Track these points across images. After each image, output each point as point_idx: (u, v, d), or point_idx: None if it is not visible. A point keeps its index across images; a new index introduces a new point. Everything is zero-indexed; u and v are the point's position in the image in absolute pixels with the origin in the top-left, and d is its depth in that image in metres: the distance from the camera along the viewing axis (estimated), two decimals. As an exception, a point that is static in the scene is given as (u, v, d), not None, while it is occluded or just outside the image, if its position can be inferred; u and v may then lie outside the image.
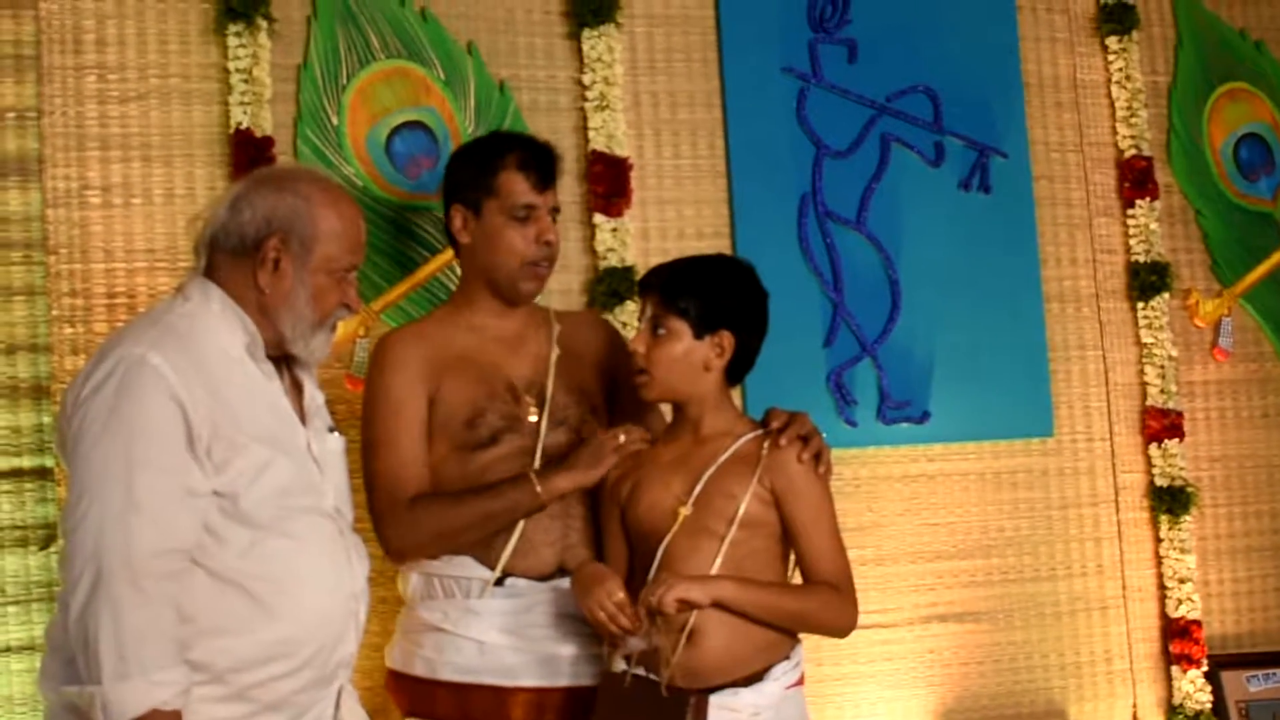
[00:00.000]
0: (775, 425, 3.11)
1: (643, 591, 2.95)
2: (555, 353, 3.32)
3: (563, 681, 3.18)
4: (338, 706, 2.87)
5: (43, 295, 3.68)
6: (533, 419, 3.26)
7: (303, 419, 2.90)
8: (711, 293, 3.11)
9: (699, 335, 3.09)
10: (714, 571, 3.00)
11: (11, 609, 3.60)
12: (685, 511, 3.04)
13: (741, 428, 3.15)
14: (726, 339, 3.10)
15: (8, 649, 3.58)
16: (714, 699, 2.96)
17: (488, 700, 3.17)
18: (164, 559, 2.59)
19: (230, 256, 2.84)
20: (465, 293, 3.39)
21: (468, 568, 3.20)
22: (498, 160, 3.30)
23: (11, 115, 3.72)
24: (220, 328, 2.80)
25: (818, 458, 3.08)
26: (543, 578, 3.21)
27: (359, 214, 2.94)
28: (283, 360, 2.92)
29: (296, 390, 2.95)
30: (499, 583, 3.19)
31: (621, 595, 2.96)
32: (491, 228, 3.29)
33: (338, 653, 2.83)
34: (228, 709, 2.69)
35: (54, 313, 3.68)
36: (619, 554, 3.19)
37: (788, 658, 3.08)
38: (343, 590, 2.83)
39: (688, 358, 3.09)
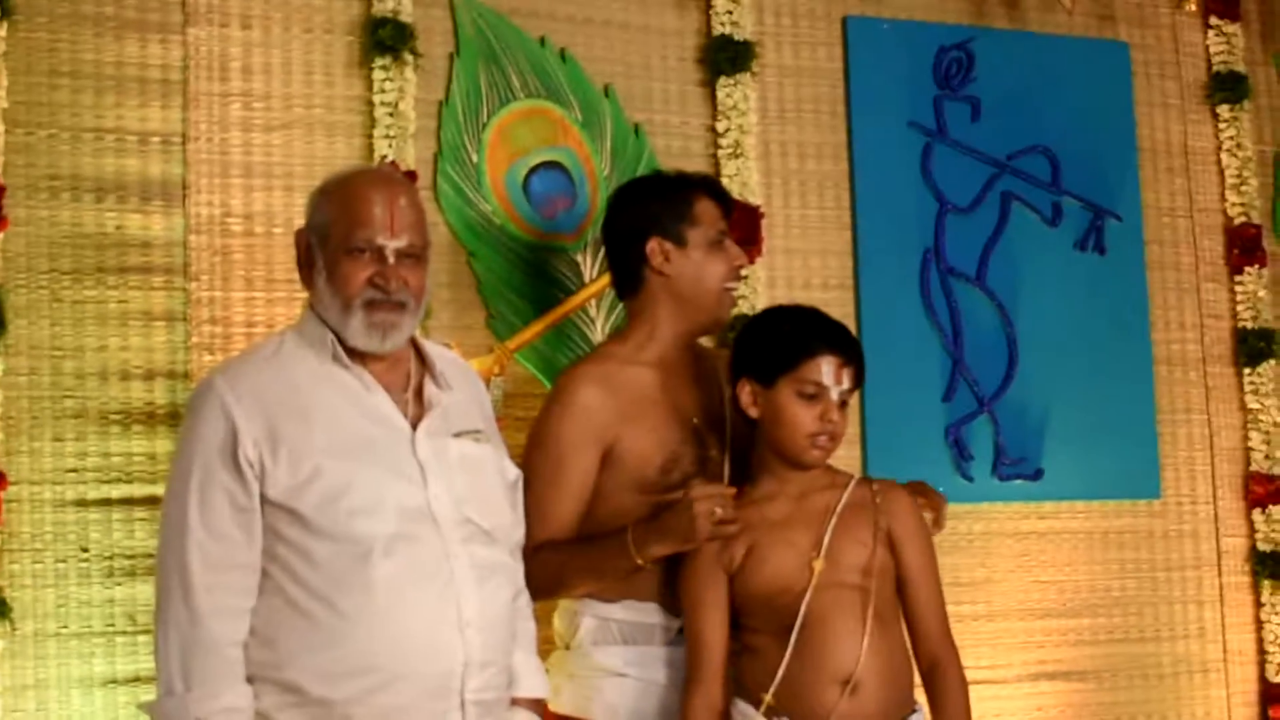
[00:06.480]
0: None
1: None
2: (728, 390, 3.18)
3: None
4: None
5: (183, 321, 3.65)
6: (714, 454, 3.22)
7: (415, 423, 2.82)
8: None
9: None
10: (866, 626, 2.91)
11: (142, 639, 3.54)
12: (819, 565, 2.92)
13: (839, 477, 3.07)
14: None
15: (137, 679, 3.51)
16: None
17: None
18: (213, 574, 2.63)
19: (304, 274, 2.90)
20: (650, 328, 3.27)
21: (649, 614, 3.14)
22: (692, 191, 3.28)
23: (156, 140, 3.69)
24: (308, 347, 2.82)
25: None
26: None
27: (379, 191, 2.80)
28: (411, 367, 2.89)
29: (419, 397, 2.88)
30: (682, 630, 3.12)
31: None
32: (697, 256, 3.24)
33: (439, 663, 2.68)
34: None
35: (193, 340, 3.64)
36: (721, 629, 3.01)
37: (915, 710, 3.02)
38: (432, 596, 2.70)
39: None
